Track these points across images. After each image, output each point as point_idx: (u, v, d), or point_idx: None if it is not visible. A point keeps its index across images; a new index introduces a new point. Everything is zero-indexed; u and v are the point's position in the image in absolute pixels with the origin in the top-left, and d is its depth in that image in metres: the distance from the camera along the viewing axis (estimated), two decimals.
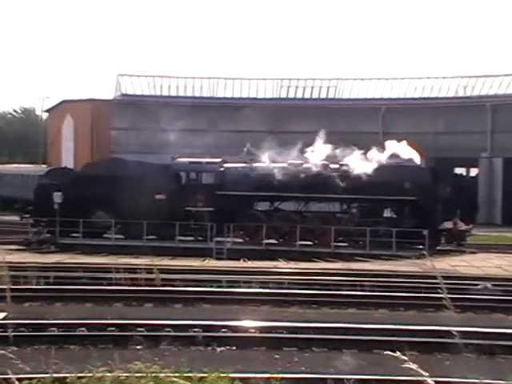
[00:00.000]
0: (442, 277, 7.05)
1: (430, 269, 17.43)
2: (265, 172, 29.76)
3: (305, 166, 29.91)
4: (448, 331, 10.95)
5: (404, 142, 29.99)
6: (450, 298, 6.49)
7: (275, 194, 29.86)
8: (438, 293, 7.10)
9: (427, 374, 6.13)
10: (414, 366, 6.01)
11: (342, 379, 8.26)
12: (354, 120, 48.84)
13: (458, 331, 7.05)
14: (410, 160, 29.81)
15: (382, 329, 11.85)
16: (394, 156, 29.58)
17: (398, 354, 6.28)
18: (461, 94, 52.64)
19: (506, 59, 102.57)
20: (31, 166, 56.12)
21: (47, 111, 66.57)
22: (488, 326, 12.14)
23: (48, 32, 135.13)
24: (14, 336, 10.93)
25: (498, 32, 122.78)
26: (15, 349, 10.31)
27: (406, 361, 6.11)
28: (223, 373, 7.59)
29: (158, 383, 7.05)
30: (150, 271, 18.21)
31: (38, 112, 77.58)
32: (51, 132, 62.66)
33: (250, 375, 8.65)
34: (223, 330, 11.68)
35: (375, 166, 29.31)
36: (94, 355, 9.54)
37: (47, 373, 7.71)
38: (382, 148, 29.71)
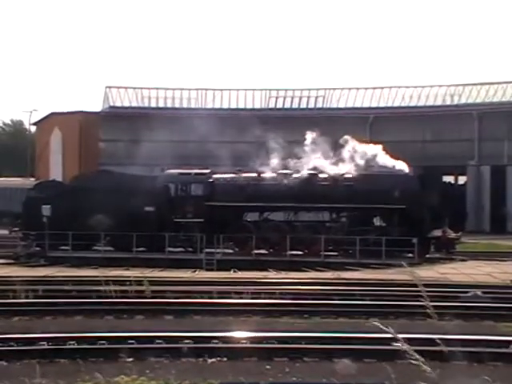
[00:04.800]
0: (432, 285, 7.06)
1: (419, 277, 17.44)
2: (254, 182, 29.78)
3: (294, 175, 29.97)
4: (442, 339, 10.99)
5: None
6: (441, 305, 6.49)
7: (264, 205, 29.87)
8: (431, 301, 7.08)
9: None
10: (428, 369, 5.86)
11: None
12: (342, 129, 48.78)
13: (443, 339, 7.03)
14: (399, 169, 29.90)
15: (372, 338, 11.83)
16: (382, 164, 29.66)
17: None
18: (448, 102, 52.90)
19: (492, 67, 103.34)
20: (19, 179, 55.88)
21: (35, 124, 66.33)
22: (478, 334, 12.16)
23: (36, 45, 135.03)
24: (3, 351, 10.83)
25: (484, 41, 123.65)
26: (4, 364, 10.23)
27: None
28: None
29: None
30: (140, 283, 18.15)
31: (26, 125, 77.38)
32: (39, 145, 62.45)
33: None
34: (214, 341, 11.64)
35: (364, 174, 29.40)
36: (83, 369, 9.49)
37: None
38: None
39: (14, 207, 38.63)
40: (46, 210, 29.65)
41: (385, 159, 29.75)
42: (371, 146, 30.18)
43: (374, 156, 29.59)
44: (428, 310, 6.31)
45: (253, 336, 11.98)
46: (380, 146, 30.07)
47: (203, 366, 10.39)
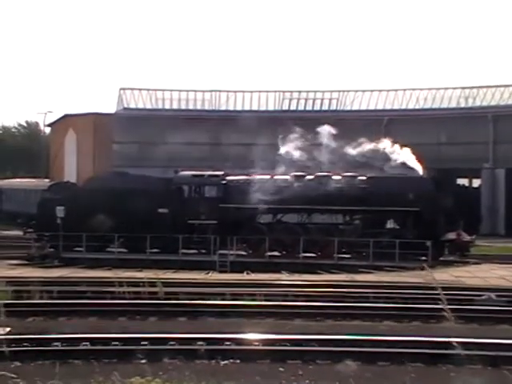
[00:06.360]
0: (446, 287, 7.05)
1: (433, 280, 17.38)
2: (267, 184, 29.74)
3: (307, 177, 29.92)
4: (450, 342, 10.94)
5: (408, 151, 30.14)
6: (454, 308, 6.47)
7: (278, 207, 29.83)
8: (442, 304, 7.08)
9: None
10: None
11: None
12: (356, 131, 48.80)
13: (460, 342, 7.01)
14: (413, 171, 29.82)
15: (386, 340, 11.79)
16: (396, 167, 29.59)
17: None
18: (463, 104, 52.60)
19: (507, 69, 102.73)
20: (34, 180, 56.13)
21: (50, 125, 66.64)
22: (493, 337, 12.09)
23: (50, 46, 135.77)
24: (18, 351, 10.88)
25: (499, 42, 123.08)
26: (18, 364, 10.28)
27: None
28: None
29: None
30: (153, 284, 18.19)
31: (41, 126, 77.77)
32: (54, 146, 62.79)
33: None
34: (227, 342, 11.64)
35: (378, 177, 29.34)
36: (97, 370, 9.52)
37: None
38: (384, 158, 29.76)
39: (29, 208, 38.86)
40: (60, 211, 29.78)
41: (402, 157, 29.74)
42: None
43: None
44: (445, 314, 6.32)
45: (266, 338, 11.97)
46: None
47: (216, 368, 10.39)
